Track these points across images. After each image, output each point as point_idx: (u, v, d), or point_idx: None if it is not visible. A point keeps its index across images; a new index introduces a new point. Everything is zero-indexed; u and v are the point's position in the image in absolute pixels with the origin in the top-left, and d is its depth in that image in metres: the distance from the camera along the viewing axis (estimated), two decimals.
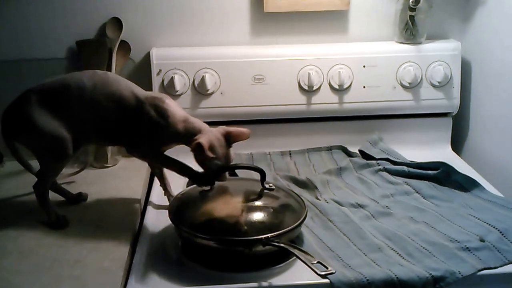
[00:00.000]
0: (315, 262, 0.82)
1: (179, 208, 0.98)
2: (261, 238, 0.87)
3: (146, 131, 0.99)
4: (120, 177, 1.23)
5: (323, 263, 0.82)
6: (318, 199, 1.14)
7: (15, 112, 0.99)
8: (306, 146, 1.37)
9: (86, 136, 1.02)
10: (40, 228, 1.03)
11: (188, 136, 0.97)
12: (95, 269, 0.90)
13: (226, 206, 0.97)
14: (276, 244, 0.87)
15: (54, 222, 1.02)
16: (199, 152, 0.94)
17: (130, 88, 1.01)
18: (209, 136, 0.96)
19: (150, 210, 1.12)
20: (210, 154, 0.93)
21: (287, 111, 1.36)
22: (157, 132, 0.99)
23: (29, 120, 0.97)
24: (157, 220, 1.07)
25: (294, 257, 0.89)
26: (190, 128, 0.97)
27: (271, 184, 1.00)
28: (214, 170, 0.97)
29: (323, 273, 0.81)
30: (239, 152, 1.32)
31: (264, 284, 0.87)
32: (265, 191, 0.98)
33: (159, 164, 1.08)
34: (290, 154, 1.36)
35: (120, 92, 1.00)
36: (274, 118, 1.37)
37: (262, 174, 0.99)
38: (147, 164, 1.27)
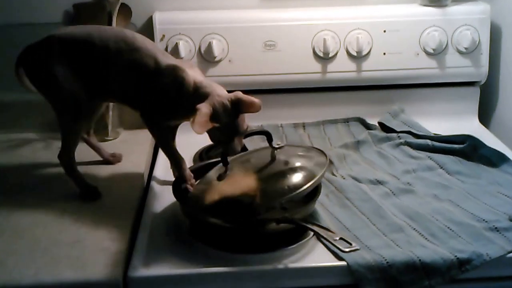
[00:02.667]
0: (337, 238, 0.80)
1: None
2: (277, 218, 0.86)
3: (159, 99, 0.98)
4: (122, 150, 1.21)
5: (346, 239, 0.80)
6: (334, 175, 1.12)
7: (36, 57, 1.01)
8: (321, 117, 1.36)
9: (104, 96, 1.04)
10: (35, 205, 1.02)
11: (197, 103, 0.92)
12: (94, 250, 0.89)
13: (235, 181, 0.96)
14: (294, 220, 0.86)
15: (84, 193, 1.03)
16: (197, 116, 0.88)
17: (154, 54, 1.00)
18: (214, 102, 0.91)
19: (154, 185, 1.11)
20: (208, 123, 0.88)
21: (301, 80, 1.34)
22: (169, 102, 0.97)
23: (49, 70, 0.99)
24: (161, 196, 1.06)
25: (306, 238, 0.88)
26: (200, 94, 0.94)
27: (279, 143, 0.97)
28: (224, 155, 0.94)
29: (347, 249, 0.79)
30: (248, 124, 1.31)
31: (278, 266, 0.86)
32: (276, 154, 0.95)
33: (158, 141, 1.06)
34: (304, 126, 1.34)
35: (142, 59, 0.99)
36: (287, 88, 1.36)
37: (268, 135, 0.97)
38: (150, 137, 1.26)
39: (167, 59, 1.00)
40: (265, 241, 0.89)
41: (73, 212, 0.99)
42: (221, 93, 0.93)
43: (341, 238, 0.80)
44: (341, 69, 1.33)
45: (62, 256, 0.88)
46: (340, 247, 0.79)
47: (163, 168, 1.14)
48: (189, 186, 0.99)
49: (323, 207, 1.00)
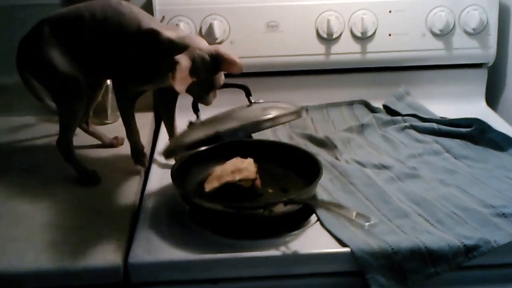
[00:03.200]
0: (354, 213, 0.78)
1: (183, 167, 0.94)
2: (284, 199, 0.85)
3: (134, 64, 0.97)
4: (122, 134, 1.17)
5: (363, 214, 0.79)
6: (337, 159, 1.11)
7: (28, 45, 1.01)
8: (324, 100, 1.34)
9: (98, 73, 1.03)
10: (33, 190, 1.01)
11: (174, 55, 0.90)
12: (94, 236, 0.88)
13: (235, 163, 0.96)
14: (303, 200, 0.85)
15: (83, 178, 1.03)
16: (176, 72, 0.86)
17: (138, 19, 0.98)
18: (194, 54, 0.88)
19: (154, 168, 1.10)
20: (189, 78, 0.85)
21: (304, 62, 1.32)
22: (144, 64, 0.96)
23: (42, 55, 0.99)
24: (162, 179, 1.05)
25: (308, 225, 0.88)
26: (176, 45, 0.91)
27: (260, 100, 0.96)
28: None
29: (367, 223, 0.77)
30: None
31: (282, 253, 0.85)
32: (255, 105, 0.93)
33: (121, 111, 1.05)
34: (306, 109, 1.32)
35: (125, 23, 0.98)
36: (289, 70, 1.34)
37: (246, 89, 0.95)
38: (150, 120, 1.26)
39: (150, 24, 0.97)
40: (268, 226, 0.88)
41: (72, 197, 0.99)
42: (201, 46, 0.90)
43: (358, 214, 0.78)
44: (345, 50, 1.31)
45: (61, 242, 0.87)
46: (359, 221, 0.77)
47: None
48: (140, 164, 1.04)
49: (327, 192, 0.99)
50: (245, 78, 1.27)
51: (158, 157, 1.13)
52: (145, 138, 1.19)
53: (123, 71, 0.99)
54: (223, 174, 0.95)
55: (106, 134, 1.17)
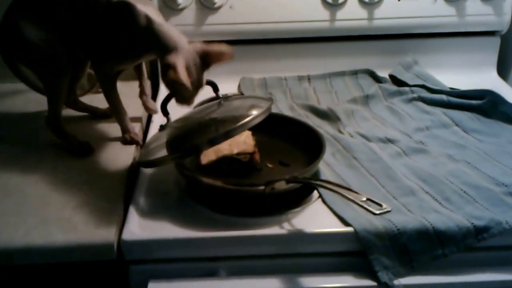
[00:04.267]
0: (364, 199, 0.75)
1: (178, 139, 0.91)
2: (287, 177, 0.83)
3: (109, 39, 0.94)
4: None
5: (374, 200, 0.75)
6: (341, 132, 1.08)
7: (5, 31, 1.01)
8: (327, 69, 1.31)
9: (75, 48, 1.01)
10: (24, 162, 0.99)
11: (160, 48, 0.88)
12: (87, 210, 0.87)
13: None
14: (306, 180, 0.83)
15: (76, 149, 1.02)
16: (170, 74, 0.84)
17: None
18: (185, 55, 0.86)
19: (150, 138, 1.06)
20: (185, 81, 0.84)
21: (307, 29, 1.29)
22: (120, 41, 0.93)
23: (20, 33, 0.99)
24: None
25: (309, 202, 0.86)
26: (165, 38, 0.88)
27: (227, 94, 0.96)
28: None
29: (377, 211, 0.74)
30: (250, 76, 1.29)
31: (281, 232, 0.83)
32: (223, 102, 0.94)
33: (103, 89, 1.03)
34: (309, 78, 1.29)
35: None
36: (291, 37, 1.31)
37: (213, 85, 0.94)
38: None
39: None
40: (268, 204, 0.87)
41: (64, 170, 0.97)
42: (186, 44, 0.88)
43: (368, 199, 0.75)
44: (351, 16, 1.28)
45: (53, 217, 0.85)
46: (370, 208, 0.74)
47: (161, 122, 1.09)
48: (133, 136, 1.03)
49: (329, 167, 0.96)
50: (245, 45, 1.27)
51: (155, 128, 1.10)
52: (140, 107, 1.16)
53: (97, 47, 0.97)
54: (220, 147, 0.93)
55: (98, 106, 1.15)
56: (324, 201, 0.88)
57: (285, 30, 1.29)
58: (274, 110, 1.14)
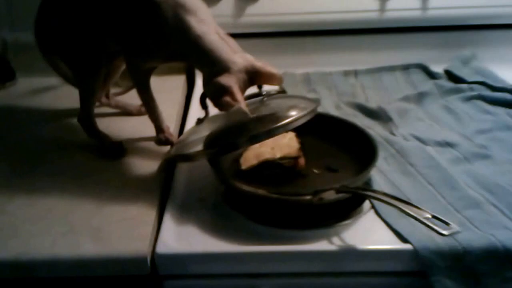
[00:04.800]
0: (429, 216, 0.69)
1: (215, 135, 0.87)
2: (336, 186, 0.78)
3: (149, 34, 0.91)
4: None
5: (441, 218, 0.69)
6: (393, 134, 1.02)
7: (41, 22, 1.02)
8: (376, 64, 1.28)
9: (110, 38, 0.99)
10: (52, 161, 0.97)
11: (208, 63, 0.85)
12: (118, 219, 0.83)
13: (275, 138, 0.87)
14: (360, 192, 0.78)
15: (108, 150, 1.00)
16: (227, 99, 0.82)
17: None
18: (238, 78, 0.83)
19: None
20: (245, 109, 0.81)
21: (354, 20, 1.27)
22: (160, 39, 0.90)
23: (56, 28, 0.99)
24: None
25: (360, 213, 0.81)
26: (215, 56, 0.85)
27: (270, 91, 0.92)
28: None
29: (445, 232, 0.68)
30: (292, 71, 1.27)
31: (330, 246, 0.77)
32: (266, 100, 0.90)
33: (137, 86, 1.01)
34: (355, 74, 1.26)
35: None
36: (337, 29, 1.28)
37: None
38: (182, 83, 1.23)
39: None
40: (315, 215, 0.81)
41: (94, 174, 0.94)
42: (238, 64, 0.84)
43: (434, 216, 0.69)
44: (402, 6, 1.25)
45: (81, 226, 0.82)
46: (436, 228, 0.68)
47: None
48: (168, 136, 0.99)
49: (381, 173, 0.90)
50: (287, 38, 1.25)
51: (191, 125, 1.06)
52: (176, 103, 1.14)
53: (130, 40, 0.96)
54: (261, 151, 0.89)
55: (132, 103, 1.12)
56: (377, 213, 0.82)
57: (330, 21, 1.26)
58: (318, 109, 1.09)
